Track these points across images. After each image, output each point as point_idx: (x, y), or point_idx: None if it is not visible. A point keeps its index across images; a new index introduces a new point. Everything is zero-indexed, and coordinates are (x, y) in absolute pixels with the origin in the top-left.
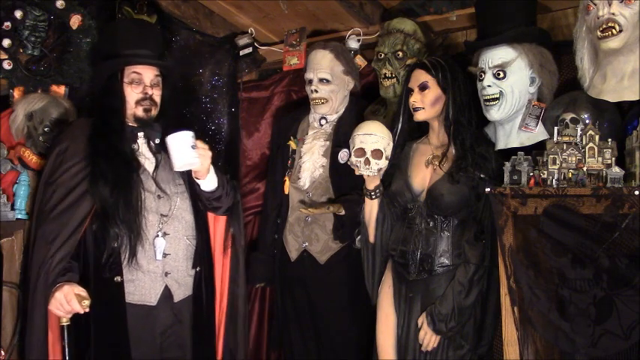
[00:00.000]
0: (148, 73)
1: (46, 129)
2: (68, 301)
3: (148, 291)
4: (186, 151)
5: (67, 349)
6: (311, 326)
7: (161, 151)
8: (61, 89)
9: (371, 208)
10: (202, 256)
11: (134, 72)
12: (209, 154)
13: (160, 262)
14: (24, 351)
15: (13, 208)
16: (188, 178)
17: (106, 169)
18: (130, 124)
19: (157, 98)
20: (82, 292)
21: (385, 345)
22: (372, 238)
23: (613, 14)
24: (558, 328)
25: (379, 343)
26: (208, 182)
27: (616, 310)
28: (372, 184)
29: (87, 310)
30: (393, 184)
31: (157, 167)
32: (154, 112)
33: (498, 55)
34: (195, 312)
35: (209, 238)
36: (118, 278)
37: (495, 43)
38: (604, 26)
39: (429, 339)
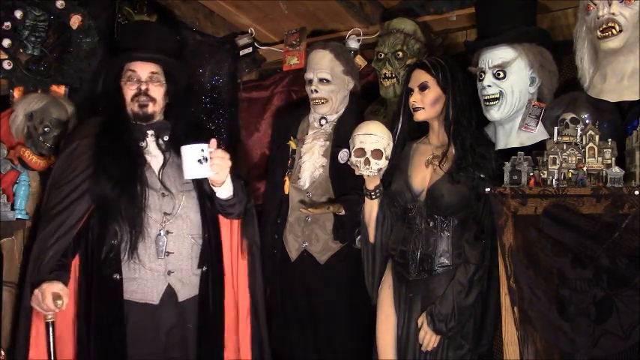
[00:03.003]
0: (144, 70)
1: (46, 129)
2: (43, 298)
3: (150, 289)
4: (193, 164)
5: (51, 346)
6: (311, 326)
7: (170, 148)
8: (61, 89)
9: (371, 208)
10: (209, 256)
11: (129, 69)
12: (227, 164)
13: (163, 261)
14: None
15: (13, 208)
16: (199, 190)
17: (109, 165)
18: (138, 122)
19: (155, 94)
20: (61, 291)
21: (385, 345)
22: (372, 238)
23: (613, 14)
24: (558, 328)
25: (379, 343)
26: (223, 190)
27: (616, 310)
28: (372, 184)
29: (62, 309)
30: (393, 184)
31: (164, 165)
32: (152, 107)
33: (498, 55)
34: (200, 312)
35: (218, 238)
36: (117, 276)
37: (495, 43)
38: (604, 26)
39: (429, 339)
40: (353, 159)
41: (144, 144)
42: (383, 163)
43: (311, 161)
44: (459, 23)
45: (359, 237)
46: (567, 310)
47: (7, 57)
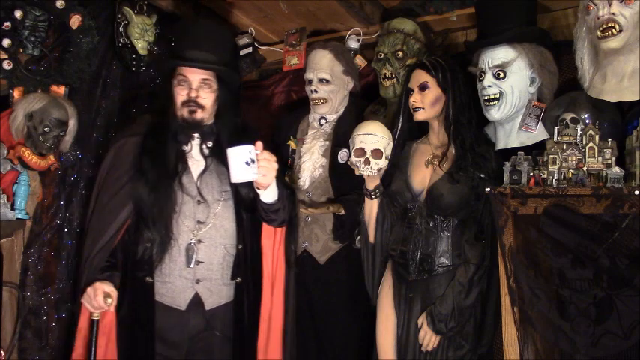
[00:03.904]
0: (195, 76)
1: (46, 129)
2: (94, 296)
3: (179, 295)
4: (241, 166)
5: (94, 343)
6: (311, 326)
7: (213, 154)
8: (61, 89)
9: (371, 208)
10: (244, 267)
11: (180, 74)
12: (274, 167)
13: (192, 269)
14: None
15: (13, 208)
16: (236, 186)
17: (149, 167)
18: (186, 125)
19: (204, 101)
20: (111, 290)
21: (385, 345)
22: (372, 238)
23: (613, 14)
24: (558, 328)
25: (379, 343)
26: (267, 194)
27: (616, 310)
28: (372, 184)
29: (110, 308)
30: (393, 184)
31: (203, 171)
32: (201, 114)
33: (498, 55)
34: (235, 324)
35: (257, 248)
36: (148, 279)
37: (495, 43)
38: (604, 26)
39: (429, 339)
40: (353, 159)
41: (187, 148)
42: (383, 163)
43: (311, 161)
44: (458, 23)
45: (359, 237)
46: (567, 310)
47: (7, 57)
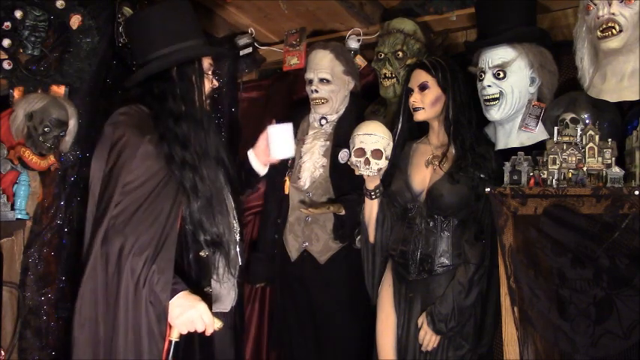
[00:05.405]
0: (210, 65)
1: (46, 129)
2: (207, 323)
3: (225, 299)
4: (287, 142)
5: None
6: (311, 326)
7: None
8: (61, 89)
9: (371, 208)
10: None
11: (210, 63)
12: None
13: (235, 269)
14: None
15: (13, 208)
16: (228, 173)
17: (200, 173)
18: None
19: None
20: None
21: (385, 345)
22: (372, 238)
23: (613, 14)
24: (558, 328)
25: (379, 343)
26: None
27: (616, 310)
28: (372, 184)
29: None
30: (393, 184)
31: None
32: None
33: (498, 55)
34: (239, 321)
35: None
36: (208, 289)
37: (495, 43)
38: (604, 26)
39: (429, 339)
40: (353, 159)
41: None
42: (383, 163)
43: (311, 161)
44: (459, 23)
45: (359, 237)
46: (567, 310)
47: (7, 57)
